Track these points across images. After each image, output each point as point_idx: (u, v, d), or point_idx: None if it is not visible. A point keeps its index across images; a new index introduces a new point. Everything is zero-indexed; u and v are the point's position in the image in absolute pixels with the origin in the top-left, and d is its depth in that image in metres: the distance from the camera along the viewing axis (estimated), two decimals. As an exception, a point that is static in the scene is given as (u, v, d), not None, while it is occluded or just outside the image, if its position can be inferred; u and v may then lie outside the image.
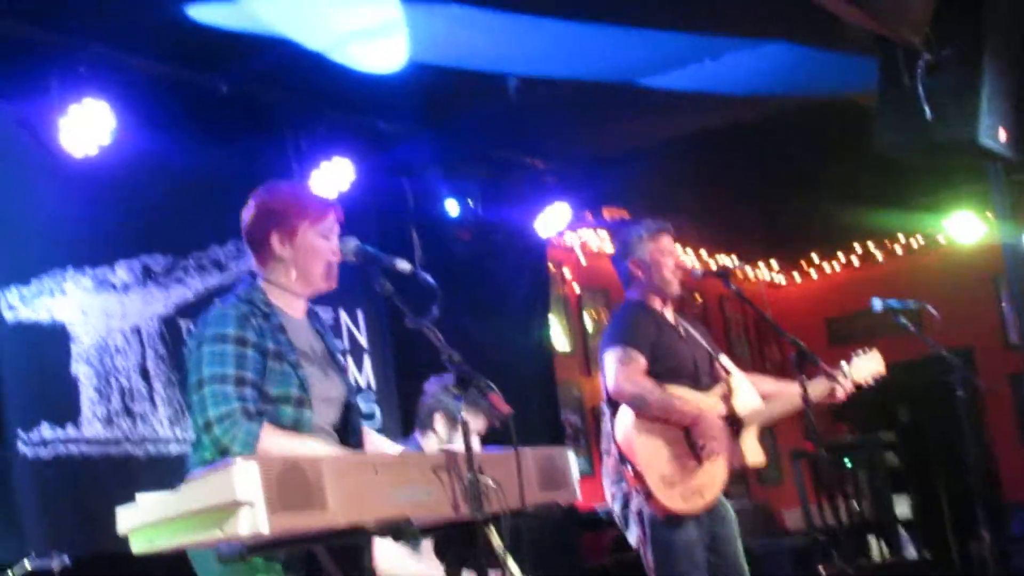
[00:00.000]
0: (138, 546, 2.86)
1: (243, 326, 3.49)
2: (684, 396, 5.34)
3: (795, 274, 13.30)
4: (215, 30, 5.96)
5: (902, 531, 9.71)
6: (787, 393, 5.59)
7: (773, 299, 12.28)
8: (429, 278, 3.58)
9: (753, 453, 5.50)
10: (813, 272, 13.18)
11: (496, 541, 4.58)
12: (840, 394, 5.63)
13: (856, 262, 12.76)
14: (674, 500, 5.20)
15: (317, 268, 3.70)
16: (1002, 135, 6.01)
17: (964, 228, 11.44)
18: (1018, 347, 11.17)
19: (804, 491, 7.18)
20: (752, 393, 5.59)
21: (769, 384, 5.78)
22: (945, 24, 5.85)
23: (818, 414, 5.38)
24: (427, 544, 5.22)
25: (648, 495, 5.20)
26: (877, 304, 6.36)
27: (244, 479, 2.64)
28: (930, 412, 12.13)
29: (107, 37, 5.88)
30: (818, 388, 5.53)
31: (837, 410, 12.70)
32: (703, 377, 5.51)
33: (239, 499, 2.63)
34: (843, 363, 5.68)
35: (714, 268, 11.09)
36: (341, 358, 3.92)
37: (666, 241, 5.59)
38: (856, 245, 12.62)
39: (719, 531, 5.38)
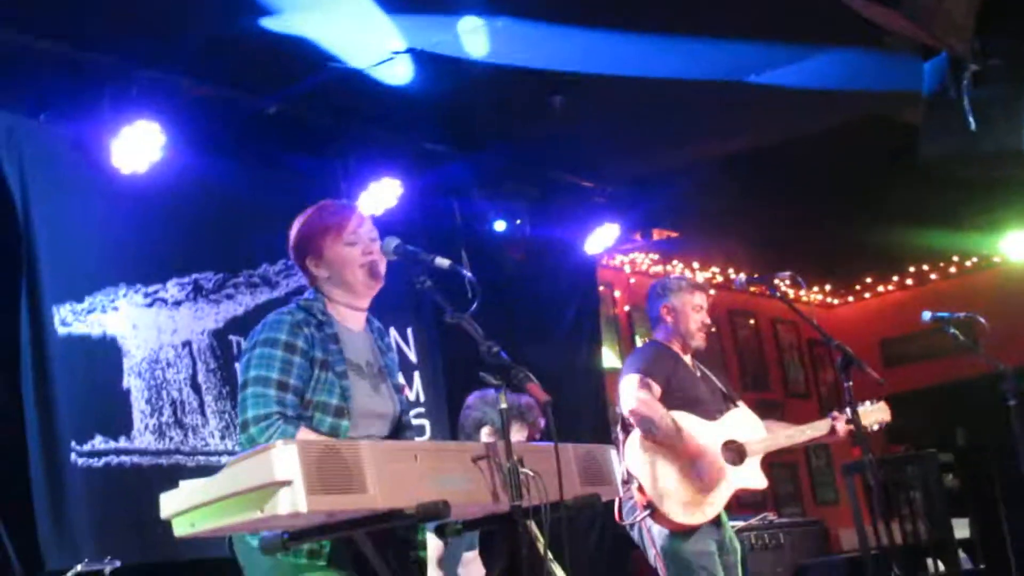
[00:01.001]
0: (180, 530, 2.89)
1: (295, 333, 3.57)
2: (691, 427, 5.65)
3: (849, 296, 13.23)
4: (263, 52, 6.06)
5: (961, 553, 9.58)
6: (793, 432, 5.92)
7: (827, 320, 12.19)
8: (469, 273, 3.61)
9: (755, 479, 5.78)
10: (867, 293, 13.10)
11: (540, 543, 4.62)
12: (841, 432, 5.84)
13: (910, 282, 12.67)
14: (676, 512, 5.50)
15: (353, 275, 3.76)
16: (1049, 144, 5.98)
17: (1018, 247, 11.31)
18: (1077, 365, 10.98)
19: (859, 508, 7.10)
20: (757, 426, 5.90)
21: (779, 426, 6.06)
22: (990, 33, 5.83)
23: (873, 437, 5.49)
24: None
25: (653, 509, 5.49)
26: (927, 316, 6.41)
27: (283, 460, 2.67)
28: (987, 431, 12.00)
29: (158, 59, 5.98)
30: (820, 428, 5.85)
31: (893, 433, 12.64)
32: (713, 411, 5.82)
33: (278, 479, 2.66)
34: (847, 408, 5.81)
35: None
36: (399, 377, 3.95)
37: (700, 298, 5.99)
38: (910, 266, 12.54)
39: (724, 559, 5.65)
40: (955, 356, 7.93)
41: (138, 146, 5.96)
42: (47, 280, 5.69)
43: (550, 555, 4.99)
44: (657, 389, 5.66)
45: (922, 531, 7.13)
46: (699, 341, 5.93)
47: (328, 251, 3.76)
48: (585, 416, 8.73)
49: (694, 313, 5.90)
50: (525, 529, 3.24)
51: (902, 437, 12.42)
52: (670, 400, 5.68)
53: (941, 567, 7.89)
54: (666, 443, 5.57)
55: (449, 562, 5.15)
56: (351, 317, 3.81)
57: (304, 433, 3.39)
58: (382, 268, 3.79)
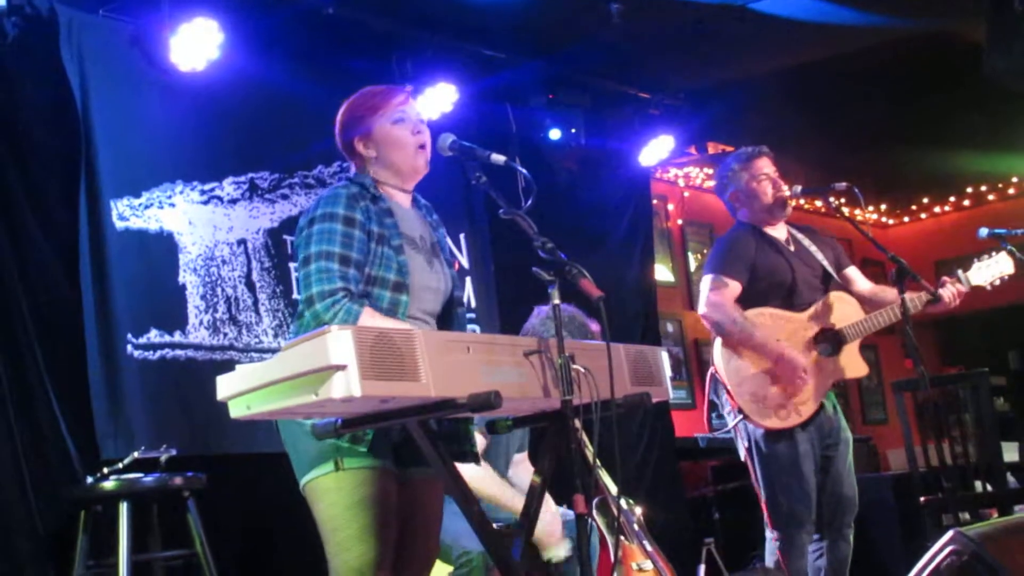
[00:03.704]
0: (236, 411, 2.93)
1: (352, 207, 3.55)
2: (777, 320, 5.38)
3: (905, 217, 13.10)
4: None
5: (1009, 476, 9.55)
6: (895, 305, 5.42)
7: (882, 241, 12.04)
8: (524, 170, 3.61)
9: (854, 367, 5.49)
10: (923, 214, 12.96)
11: (588, 450, 4.64)
12: (948, 298, 5.43)
13: (968, 203, 12.52)
14: (768, 418, 5.29)
15: (400, 156, 3.75)
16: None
17: (1080, 168, 11.15)
18: None
19: (908, 427, 7.07)
20: (853, 308, 5.54)
21: (891, 293, 5.55)
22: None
23: (926, 357, 5.28)
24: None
25: (744, 414, 5.31)
26: (984, 232, 6.22)
27: (338, 344, 2.70)
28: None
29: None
30: (920, 298, 5.42)
31: (946, 354, 12.58)
32: (804, 294, 5.48)
33: (333, 363, 2.69)
34: (959, 271, 5.58)
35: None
36: (450, 252, 3.95)
37: (760, 164, 5.61)
38: (968, 187, 12.38)
39: (831, 452, 5.41)
40: (1010, 279, 7.77)
41: (196, 43, 5.98)
42: (105, 174, 5.74)
43: (598, 463, 5.04)
44: (735, 286, 5.38)
45: (971, 453, 7.08)
46: (780, 208, 5.55)
47: (377, 129, 3.73)
48: (636, 328, 8.74)
49: (763, 184, 5.53)
50: (575, 426, 3.25)
51: (955, 358, 12.37)
52: (756, 288, 5.41)
53: (989, 488, 7.87)
54: (743, 347, 5.34)
55: (498, 462, 5.19)
56: (400, 196, 3.79)
57: (368, 314, 3.40)
58: (429, 152, 3.79)
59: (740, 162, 5.63)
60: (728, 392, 5.36)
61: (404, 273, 3.58)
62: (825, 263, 5.61)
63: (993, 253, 5.63)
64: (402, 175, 3.78)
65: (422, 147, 3.76)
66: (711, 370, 5.50)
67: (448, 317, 3.83)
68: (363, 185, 3.66)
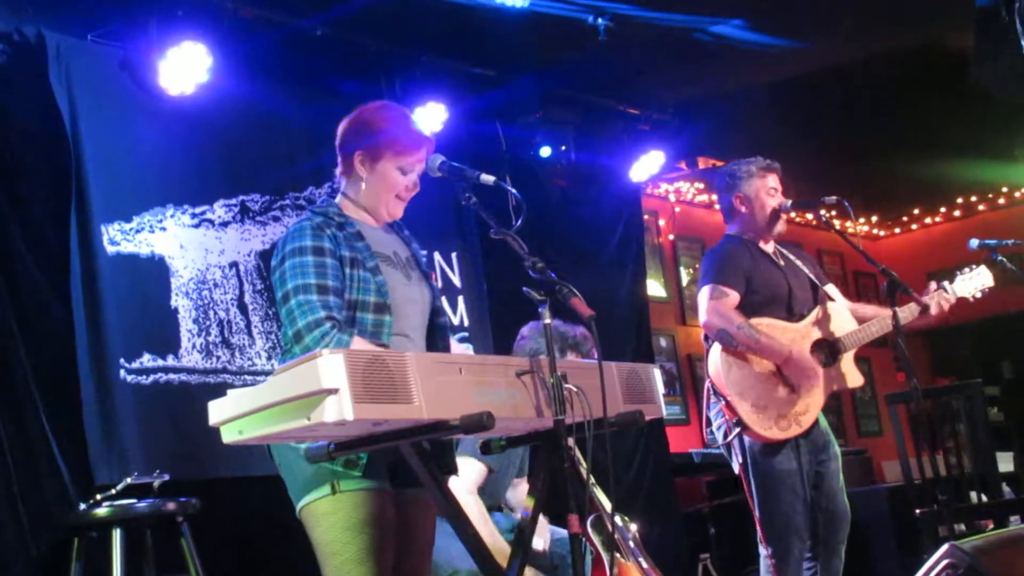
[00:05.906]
0: (228, 436, 2.92)
1: (319, 236, 3.57)
2: (774, 330, 5.35)
3: (896, 228, 13.12)
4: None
5: (1004, 486, 9.54)
6: (884, 315, 5.53)
7: (873, 252, 12.02)
8: (513, 190, 3.61)
9: (851, 377, 5.50)
10: (914, 225, 12.99)
11: (583, 468, 4.63)
12: (935, 310, 5.56)
13: (958, 214, 12.54)
14: (769, 429, 5.24)
15: (384, 198, 3.78)
16: (1102, 68, 5.90)
17: (1070, 177, 11.18)
18: None
19: (902, 440, 7.09)
20: (847, 319, 5.57)
21: (869, 309, 5.72)
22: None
23: (919, 368, 5.34)
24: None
25: (743, 426, 5.25)
26: (974, 243, 6.30)
27: (330, 368, 2.69)
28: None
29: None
30: (911, 309, 5.53)
31: (938, 365, 12.58)
32: (798, 306, 5.50)
33: (325, 387, 2.68)
34: (944, 282, 5.64)
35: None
36: (426, 264, 3.95)
37: (774, 180, 5.62)
38: (958, 198, 12.40)
39: (823, 468, 5.40)
40: (1002, 288, 7.85)
41: (185, 67, 5.99)
42: (95, 199, 5.73)
43: (592, 480, 5.03)
44: (734, 296, 5.34)
45: (966, 464, 7.08)
46: (780, 226, 5.57)
47: (383, 164, 3.75)
48: (628, 344, 8.73)
49: (769, 198, 5.54)
50: (568, 445, 3.24)
51: (947, 369, 12.38)
52: (753, 300, 5.38)
53: (984, 499, 7.88)
54: (748, 354, 5.28)
55: (497, 489, 5.19)
56: (368, 218, 3.81)
57: (358, 342, 3.41)
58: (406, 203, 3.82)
59: (757, 168, 5.61)
60: (727, 403, 5.29)
61: (384, 293, 3.59)
62: (812, 276, 5.64)
63: (974, 266, 5.75)
64: (374, 212, 3.82)
65: (402, 203, 3.81)
66: (708, 383, 5.45)
67: (433, 329, 3.84)
68: (326, 215, 3.67)
